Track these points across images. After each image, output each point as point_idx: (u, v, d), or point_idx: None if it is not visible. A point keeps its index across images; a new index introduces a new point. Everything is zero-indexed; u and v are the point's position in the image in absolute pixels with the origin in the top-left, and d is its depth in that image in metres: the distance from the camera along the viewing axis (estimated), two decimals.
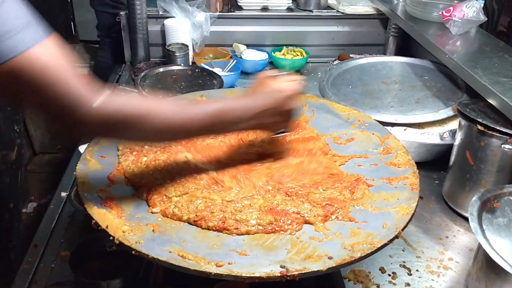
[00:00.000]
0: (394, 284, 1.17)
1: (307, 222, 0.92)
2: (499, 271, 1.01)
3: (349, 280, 1.16)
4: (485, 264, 1.07)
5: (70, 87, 0.76)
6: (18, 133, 2.60)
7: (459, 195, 1.41)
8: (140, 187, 0.99)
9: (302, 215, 0.92)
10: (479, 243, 1.04)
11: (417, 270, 1.21)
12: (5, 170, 2.33)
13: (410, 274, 1.20)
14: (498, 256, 0.98)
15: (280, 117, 0.99)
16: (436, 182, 1.56)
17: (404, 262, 1.23)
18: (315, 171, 1.07)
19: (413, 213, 0.94)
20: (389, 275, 1.19)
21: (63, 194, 1.45)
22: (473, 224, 1.06)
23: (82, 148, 1.59)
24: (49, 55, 0.74)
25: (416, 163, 1.12)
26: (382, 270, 1.20)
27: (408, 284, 1.17)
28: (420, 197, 1.39)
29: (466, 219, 1.31)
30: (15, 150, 2.51)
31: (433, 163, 1.59)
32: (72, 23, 4.47)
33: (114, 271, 1.11)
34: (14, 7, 0.72)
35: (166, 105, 0.87)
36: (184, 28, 2.24)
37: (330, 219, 0.93)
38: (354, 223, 0.93)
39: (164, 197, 0.95)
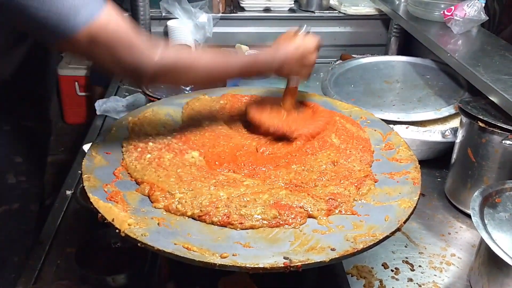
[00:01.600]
0: (397, 279, 1.17)
1: (310, 216, 0.93)
2: (501, 265, 1.02)
3: (352, 276, 1.17)
4: (487, 259, 1.08)
5: (135, 45, 0.92)
6: None
7: (461, 192, 1.42)
8: (142, 183, 1.00)
9: (305, 209, 0.93)
10: (481, 238, 1.05)
11: (419, 266, 1.22)
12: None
13: (412, 270, 1.20)
14: (500, 250, 0.99)
15: (299, 68, 1.22)
16: (438, 179, 1.57)
17: (406, 258, 1.24)
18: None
19: (415, 206, 0.95)
20: (392, 270, 1.20)
21: (68, 192, 1.46)
22: (475, 219, 1.07)
23: (86, 147, 1.61)
24: (114, 19, 0.90)
25: (418, 161, 1.12)
26: (385, 266, 1.21)
27: (410, 280, 1.17)
28: (422, 195, 1.41)
29: (468, 216, 1.32)
30: None
31: (435, 161, 1.60)
32: None
33: (119, 266, 1.12)
34: None
35: (209, 55, 1.07)
36: (187, 29, 2.26)
37: (334, 213, 0.94)
38: (357, 216, 0.93)
39: (167, 193, 0.96)
